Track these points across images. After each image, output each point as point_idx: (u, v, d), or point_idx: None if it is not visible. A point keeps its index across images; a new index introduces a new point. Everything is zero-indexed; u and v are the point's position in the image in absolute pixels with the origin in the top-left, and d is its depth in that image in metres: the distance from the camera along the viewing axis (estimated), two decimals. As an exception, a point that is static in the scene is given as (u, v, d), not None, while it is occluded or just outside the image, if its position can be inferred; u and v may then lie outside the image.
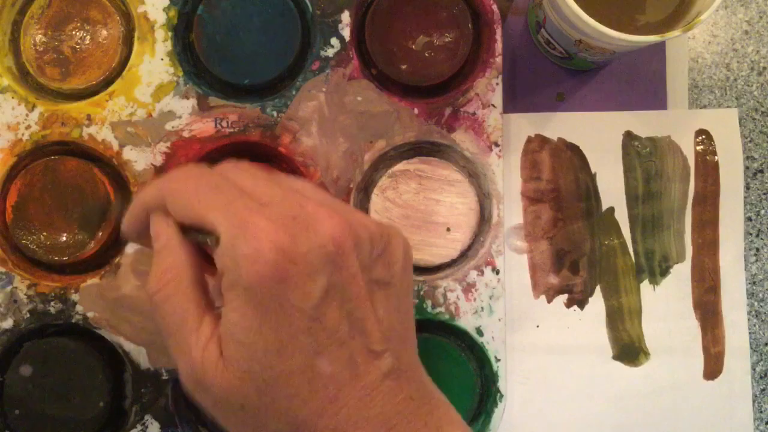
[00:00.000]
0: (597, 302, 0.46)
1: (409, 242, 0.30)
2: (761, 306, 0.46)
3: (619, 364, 0.45)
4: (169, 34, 0.42)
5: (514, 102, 0.46)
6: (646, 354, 0.45)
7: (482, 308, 0.42)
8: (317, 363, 0.26)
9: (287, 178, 0.29)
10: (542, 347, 0.45)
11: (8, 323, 0.41)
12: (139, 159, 0.41)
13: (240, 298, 0.25)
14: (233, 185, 0.27)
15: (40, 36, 0.43)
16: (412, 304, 0.30)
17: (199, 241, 0.28)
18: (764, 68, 0.47)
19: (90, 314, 0.41)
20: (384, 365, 0.27)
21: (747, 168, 0.46)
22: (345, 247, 0.26)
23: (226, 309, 0.26)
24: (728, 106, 0.47)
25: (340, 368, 0.26)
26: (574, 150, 0.46)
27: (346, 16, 0.42)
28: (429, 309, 0.42)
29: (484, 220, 0.43)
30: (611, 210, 0.46)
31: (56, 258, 0.41)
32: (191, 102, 0.42)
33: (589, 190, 0.46)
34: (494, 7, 0.42)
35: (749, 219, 0.46)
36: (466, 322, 0.42)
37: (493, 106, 0.42)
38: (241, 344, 0.25)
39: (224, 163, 0.30)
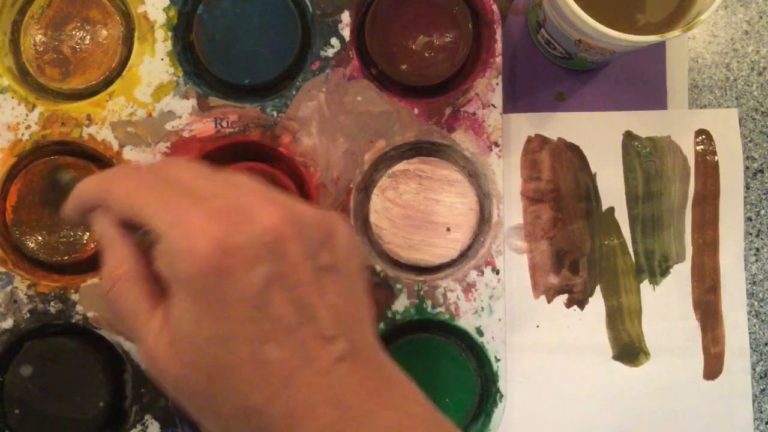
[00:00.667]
0: (597, 302, 0.46)
1: (352, 228, 0.30)
2: (761, 306, 0.46)
3: (619, 364, 0.45)
4: (169, 34, 0.42)
5: (514, 102, 0.46)
6: (646, 354, 0.45)
7: (482, 308, 0.42)
8: (265, 351, 0.26)
9: (228, 174, 0.30)
10: (542, 347, 0.45)
11: (8, 323, 0.41)
12: (139, 159, 0.41)
13: (181, 292, 0.26)
14: (171, 182, 0.28)
15: (40, 36, 0.43)
16: (364, 288, 0.30)
17: (141, 237, 0.29)
18: (764, 68, 0.47)
19: (90, 314, 0.41)
20: (337, 349, 0.27)
21: (747, 168, 0.46)
22: (285, 236, 0.26)
23: (171, 302, 0.27)
24: (728, 106, 0.47)
25: (289, 354, 0.26)
26: (574, 150, 0.46)
27: (346, 16, 0.42)
28: (429, 309, 0.42)
29: (484, 220, 0.43)
30: (611, 210, 0.46)
31: (56, 258, 0.41)
32: (191, 102, 0.42)
33: (589, 190, 0.46)
34: (494, 7, 0.42)
35: (749, 219, 0.46)
36: (466, 322, 0.42)
37: (493, 106, 0.42)
38: (185, 336, 0.26)
39: (165, 160, 0.30)
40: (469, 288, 0.42)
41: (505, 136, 0.45)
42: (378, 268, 0.41)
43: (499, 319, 0.42)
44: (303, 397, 0.26)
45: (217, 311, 0.26)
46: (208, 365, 0.26)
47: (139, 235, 0.29)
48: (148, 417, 0.41)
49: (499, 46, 0.42)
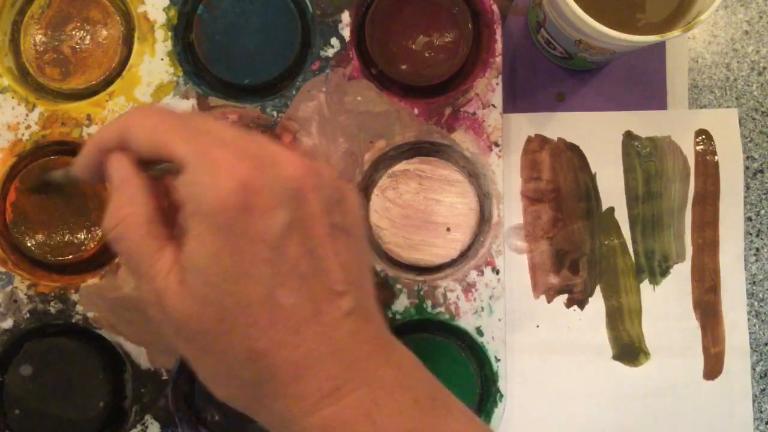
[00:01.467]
0: (597, 302, 0.46)
1: (362, 199, 0.30)
2: (761, 306, 0.46)
3: (619, 364, 0.45)
4: (169, 34, 0.42)
5: (514, 102, 0.46)
6: (646, 354, 0.45)
7: (482, 308, 0.42)
8: (277, 294, 0.26)
9: (249, 130, 0.30)
10: (542, 347, 0.45)
11: (8, 323, 0.41)
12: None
13: (201, 225, 0.26)
14: (197, 124, 0.28)
15: (40, 36, 0.43)
16: (370, 256, 0.31)
17: (160, 172, 0.28)
18: (764, 68, 0.47)
19: (90, 314, 0.41)
20: (345, 305, 0.27)
21: (747, 168, 0.46)
22: (307, 187, 0.26)
23: (187, 237, 0.26)
24: (728, 106, 0.47)
25: (301, 302, 0.26)
26: (574, 150, 0.46)
27: (346, 16, 0.42)
28: (429, 309, 0.42)
29: (484, 220, 0.43)
30: (611, 210, 0.46)
31: (56, 258, 0.41)
32: (191, 102, 0.42)
33: (589, 190, 0.46)
34: (494, 7, 0.42)
35: (749, 219, 0.46)
36: (466, 322, 0.42)
37: (493, 106, 0.42)
38: (200, 271, 0.26)
39: (185, 111, 0.30)
40: (469, 288, 0.42)
41: (505, 136, 0.45)
42: (378, 268, 0.41)
43: (499, 319, 0.42)
44: (310, 347, 0.26)
45: (236, 247, 0.25)
46: (219, 302, 0.26)
47: (157, 169, 0.29)
48: (148, 417, 0.41)
49: (499, 46, 0.42)
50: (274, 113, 0.42)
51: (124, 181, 0.28)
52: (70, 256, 0.41)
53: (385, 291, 0.41)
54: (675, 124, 0.46)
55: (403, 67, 0.42)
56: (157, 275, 0.27)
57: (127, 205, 0.28)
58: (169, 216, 0.28)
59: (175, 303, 0.26)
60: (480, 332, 0.42)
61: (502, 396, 0.41)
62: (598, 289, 0.46)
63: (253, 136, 0.28)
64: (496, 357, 0.42)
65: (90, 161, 0.30)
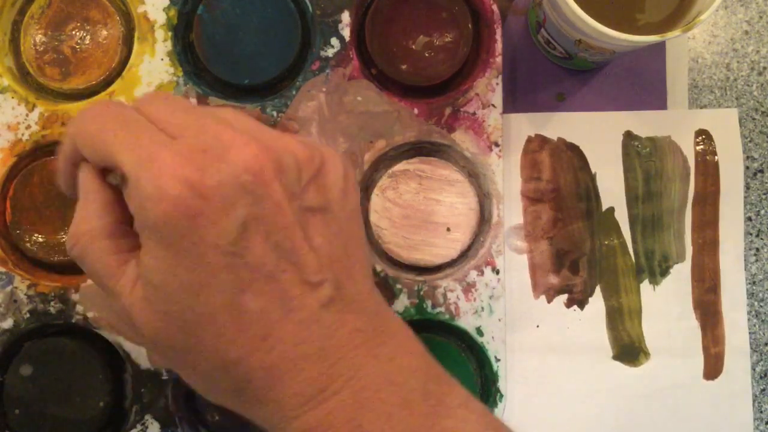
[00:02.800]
0: (597, 302, 0.46)
1: (349, 163, 0.28)
2: (761, 306, 0.46)
3: (619, 364, 0.45)
4: (169, 34, 0.42)
5: (514, 102, 0.46)
6: (646, 354, 0.45)
7: (482, 308, 0.42)
8: (242, 300, 0.24)
9: (214, 108, 0.27)
10: (542, 347, 0.45)
11: (8, 323, 0.41)
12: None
13: (151, 240, 0.24)
14: (144, 118, 0.26)
15: (40, 36, 0.43)
16: (359, 230, 0.28)
17: (116, 180, 0.27)
18: (764, 68, 0.47)
19: (90, 314, 0.41)
20: (322, 296, 0.26)
21: (747, 168, 0.46)
22: (264, 175, 0.24)
23: (142, 252, 0.25)
24: (728, 106, 0.47)
25: (269, 303, 0.25)
26: (574, 150, 0.46)
27: (346, 16, 0.42)
28: (429, 309, 0.42)
29: (484, 220, 0.43)
30: (611, 210, 0.46)
31: (56, 258, 0.41)
32: (191, 102, 0.42)
33: (589, 190, 0.46)
34: (494, 7, 0.42)
35: (749, 219, 0.46)
36: (466, 322, 0.42)
37: (493, 106, 0.42)
38: (158, 287, 0.25)
39: (144, 95, 0.28)
40: (469, 288, 0.42)
41: (505, 136, 0.45)
42: (378, 268, 0.41)
43: (499, 319, 0.42)
44: (284, 349, 0.25)
45: (190, 259, 0.24)
46: (182, 317, 0.25)
47: (113, 177, 0.27)
48: (148, 417, 0.41)
49: (499, 46, 0.42)
50: (274, 113, 0.42)
51: (84, 196, 0.27)
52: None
53: (385, 291, 0.41)
54: (675, 124, 0.46)
55: (403, 67, 0.42)
56: (122, 292, 0.26)
57: (84, 221, 0.26)
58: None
59: (142, 320, 0.25)
60: (480, 332, 0.42)
61: (502, 396, 0.41)
62: (598, 289, 0.46)
63: (210, 118, 0.25)
64: (496, 357, 0.42)
65: (65, 177, 0.28)
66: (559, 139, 0.46)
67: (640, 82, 0.46)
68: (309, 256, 0.25)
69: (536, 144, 0.46)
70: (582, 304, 0.46)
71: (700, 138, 0.46)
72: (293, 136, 0.27)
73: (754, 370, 0.45)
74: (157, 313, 0.25)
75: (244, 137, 0.24)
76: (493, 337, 0.42)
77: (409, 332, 0.28)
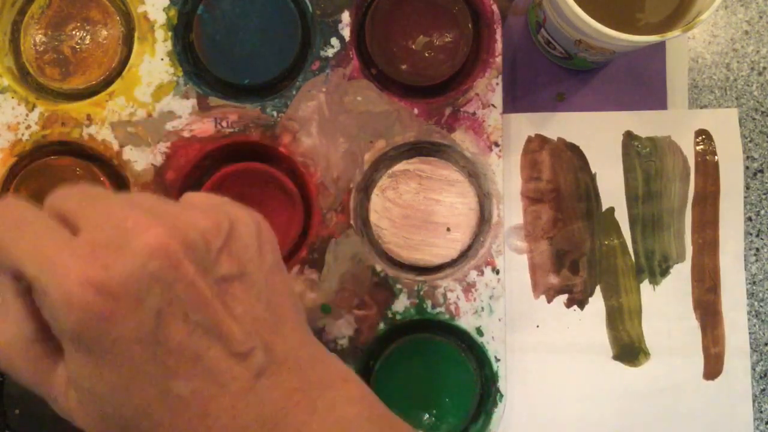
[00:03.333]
0: (597, 302, 0.46)
1: (260, 218, 0.28)
2: (761, 306, 0.46)
3: (619, 364, 0.45)
4: (169, 34, 0.42)
5: (514, 102, 0.46)
6: (646, 354, 0.45)
7: (482, 308, 0.42)
8: (172, 387, 0.24)
9: (122, 194, 0.26)
10: (542, 347, 0.45)
11: (8, 323, 0.41)
12: (139, 159, 0.41)
13: (70, 346, 0.24)
14: (46, 216, 0.25)
15: (40, 36, 0.43)
16: (282, 281, 0.28)
17: (21, 290, 0.25)
18: (764, 68, 0.47)
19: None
20: (254, 365, 0.25)
21: (747, 168, 0.46)
22: (171, 258, 0.23)
23: (66, 357, 0.24)
24: (728, 106, 0.47)
25: (201, 385, 0.24)
26: (574, 150, 0.46)
27: (346, 16, 0.42)
28: (429, 309, 0.42)
29: (484, 220, 0.43)
30: (611, 210, 0.46)
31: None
32: (191, 102, 0.42)
33: (589, 190, 0.46)
34: (494, 7, 0.42)
35: (749, 219, 0.46)
36: (466, 322, 0.42)
37: (493, 106, 0.42)
38: (87, 391, 0.24)
39: (57, 189, 0.26)
40: (469, 288, 0.42)
41: (505, 136, 0.45)
42: (378, 268, 0.41)
43: (499, 319, 0.42)
44: (225, 425, 0.25)
45: (112, 360, 0.23)
46: (117, 417, 0.24)
47: (24, 285, 0.25)
48: (148, 417, 0.41)
49: (499, 46, 0.42)
50: (274, 113, 0.42)
51: (3, 304, 0.26)
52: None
53: (385, 291, 0.41)
54: (675, 124, 0.46)
55: (403, 67, 0.42)
56: (57, 397, 0.26)
57: (5, 331, 0.25)
58: None
59: (82, 422, 0.25)
60: (480, 332, 0.42)
61: (502, 396, 0.41)
62: (598, 289, 0.46)
63: (114, 207, 0.24)
64: (496, 357, 0.42)
65: None
66: (559, 139, 0.46)
67: (640, 82, 0.46)
68: (233, 328, 0.25)
69: (536, 144, 0.46)
70: (582, 304, 0.46)
71: (700, 138, 0.46)
72: (198, 205, 0.26)
73: (754, 370, 0.45)
74: (93, 415, 0.25)
75: (145, 220, 0.24)
76: (493, 337, 0.42)
77: (349, 377, 0.28)
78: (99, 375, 0.24)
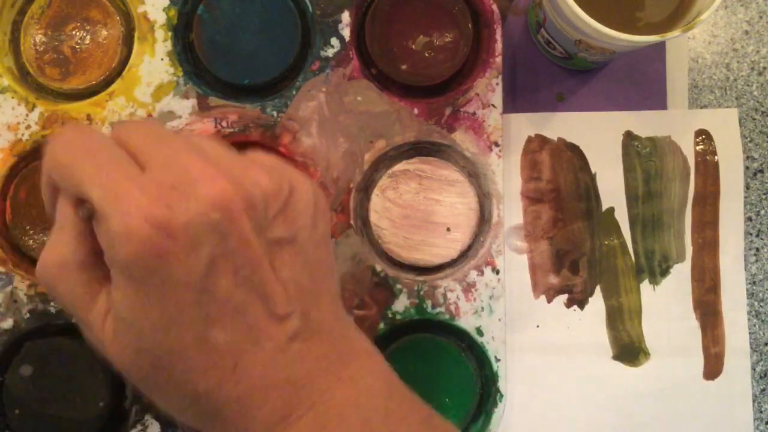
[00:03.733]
0: (597, 302, 0.46)
1: (319, 189, 0.28)
2: (761, 306, 0.46)
3: (619, 364, 0.45)
4: (169, 34, 0.42)
5: (514, 102, 0.46)
6: (646, 354, 0.45)
7: (482, 308, 0.42)
8: (211, 335, 0.25)
9: (189, 136, 0.27)
10: (542, 347, 0.45)
11: (8, 323, 0.41)
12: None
13: (120, 277, 0.24)
14: (115, 146, 0.25)
15: (40, 36, 0.43)
16: (326, 256, 0.28)
17: (86, 213, 0.26)
18: (764, 68, 0.47)
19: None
20: (290, 328, 0.26)
21: (747, 168, 0.46)
22: (232, 212, 0.24)
23: (113, 286, 0.25)
24: (728, 106, 0.47)
25: (237, 337, 0.25)
26: (574, 150, 0.46)
27: (346, 16, 0.42)
28: (429, 309, 0.42)
29: (484, 220, 0.43)
30: (611, 210, 0.46)
31: (56, 258, 0.41)
32: (191, 102, 0.42)
33: (589, 190, 0.46)
34: (494, 7, 0.42)
35: (749, 219, 0.46)
36: (466, 322, 0.42)
37: (493, 106, 0.42)
38: (128, 324, 0.25)
39: (123, 120, 0.28)
40: (469, 288, 0.42)
41: (505, 136, 0.45)
42: (378, 268, 0.41)
43: (499, 319, 0.42)
44: (253, 379, 0.26)
45: (159, 297, 0.24)
46: (153, 353, 0.25)
47: (84, 210, 0.26)
48: (148, 417, 0.41)
49: (499, 46, 0.42)
50: (274, 113, 0.42)
51: (59, 224, 0.26)
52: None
53: (385, 291, 0.41)
54: (675, 124, 0.46)
55: (403, 67, 0.42)
56: (93, 324, 0.26)
57: (56, 251, 0.26)
58: None
59: (114, 353, 0.26)
60: (480, 332, 0.42)
61: (502, 396, 0.41)
62: (598, 289, 0.46)
63: (182, 149, 0.25)
64: (496, 357, 0.42)
65: (46, 200, 0.28)
66: (559, 139, 0.46)
67: (640, 82, 0.46)
68: (277, 290, 0.26)
69: (536, 144, 0.46)
70: (582, 304, 0.46)
71: (700, 138, 0.46)
72: (263, 165, 0.27)
73: (754, 370, 0.45)
74: (128, 348, 0.25)
75: (212, 171, 0.24)
76: (493, 337, 0.42)
77: (374, 353, 0.29)
78: (142, 309, 0.24)
